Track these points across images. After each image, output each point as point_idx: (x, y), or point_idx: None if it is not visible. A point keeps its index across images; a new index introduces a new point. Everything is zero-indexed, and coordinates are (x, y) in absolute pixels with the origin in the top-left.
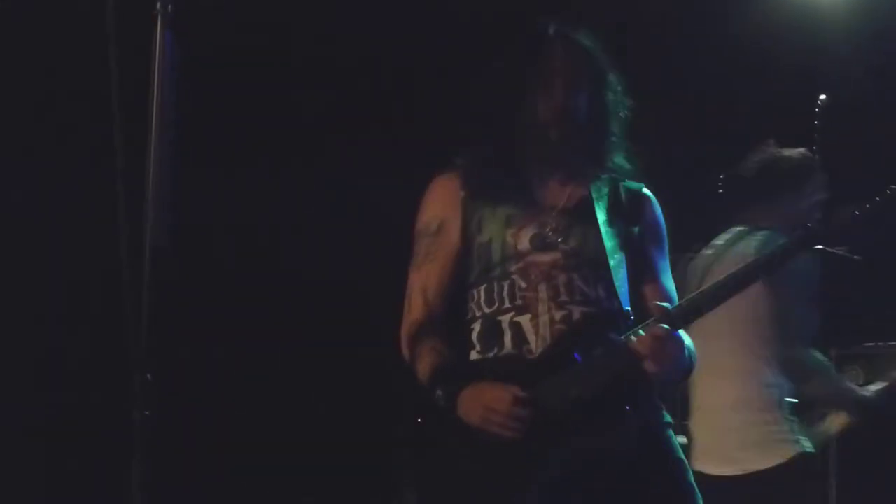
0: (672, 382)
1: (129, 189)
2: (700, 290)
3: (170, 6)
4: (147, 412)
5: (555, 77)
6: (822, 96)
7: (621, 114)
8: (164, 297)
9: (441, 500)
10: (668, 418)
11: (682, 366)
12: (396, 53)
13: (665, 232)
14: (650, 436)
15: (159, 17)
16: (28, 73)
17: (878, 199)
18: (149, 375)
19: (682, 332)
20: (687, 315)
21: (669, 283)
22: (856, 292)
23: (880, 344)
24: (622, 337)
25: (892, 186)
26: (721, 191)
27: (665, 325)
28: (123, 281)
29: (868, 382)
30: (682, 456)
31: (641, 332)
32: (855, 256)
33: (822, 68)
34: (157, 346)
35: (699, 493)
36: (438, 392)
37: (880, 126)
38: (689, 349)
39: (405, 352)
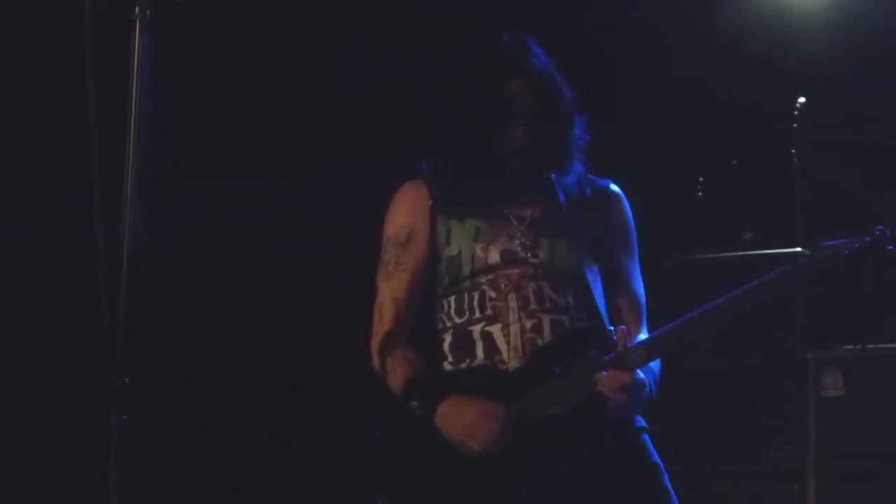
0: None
1: (106, 190)
2: (675, 325)
3: (148, 11)
4: (124, 416)
5: (513, 117)
6: (801, 98)
7: (581, 144)
8: (142, 298)
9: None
10: (642, 423)
11: (639, 407)
12: (372, 54)
13: (634, 231)
14: (624, 442)
15: (137, 22)
16: (4, 73)
17: (867, 238)
18: (126, 379)
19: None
20: (655, 349)
21: (638, 287)
22: (835, 295)
23: (859, 347)
24: (604, 358)
25: (879, 227)
26: (700, 193)
27: (627, 374)
28: (100, 282)
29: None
30: (658, 460)
31: (605, 373)
32: None
33: (799, 69)
34: (135, 349)
35: (675, 497)
36: (413, 403)
37: (858, 127)
38: (649, 386)
39: (376, 363)
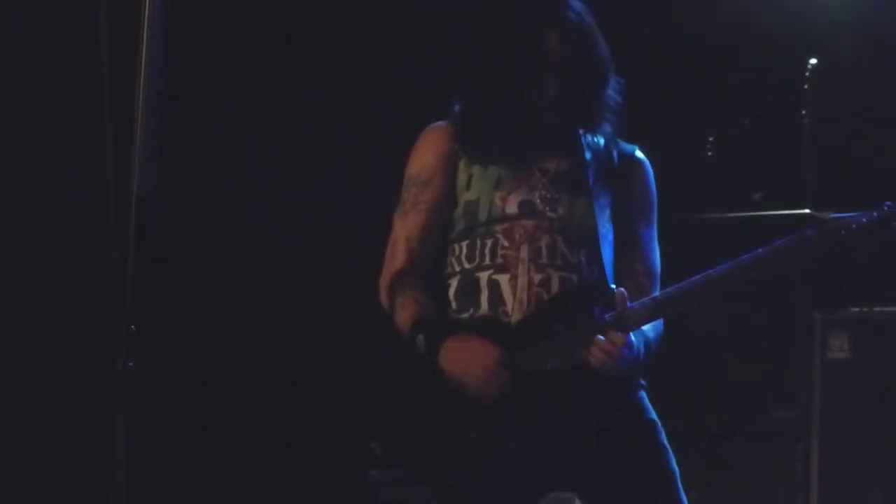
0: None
1: (118, 138)
2: (679, 288)
3: None
4: (130, 364)
5: (547, 71)
6: (813, 60)
7: (612, 105)
8: (151, 247)
9: (406, 452)
10: (641, 381)
11: (626, 368)
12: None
13: (654, 200)
14: (622, 398)
15: None
16: (16, 20)
17: (874, 213)
18: (133, 327)
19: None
20: (658, 311)
21: (654, 255)
22: (843, 258)
23: (866, 309)
24: (605, 315)
25: (888, 203)
26: (710, 153)
27: (621, 334)
28: (110, 230)
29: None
30: (655, 417)
31: (601, 337)
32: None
33: (813, 31)
34: (143, 297)
35: (671, 454)
36: (419, 339)
37: (869, 89)
38: (637, 348)
39: (385, 300)
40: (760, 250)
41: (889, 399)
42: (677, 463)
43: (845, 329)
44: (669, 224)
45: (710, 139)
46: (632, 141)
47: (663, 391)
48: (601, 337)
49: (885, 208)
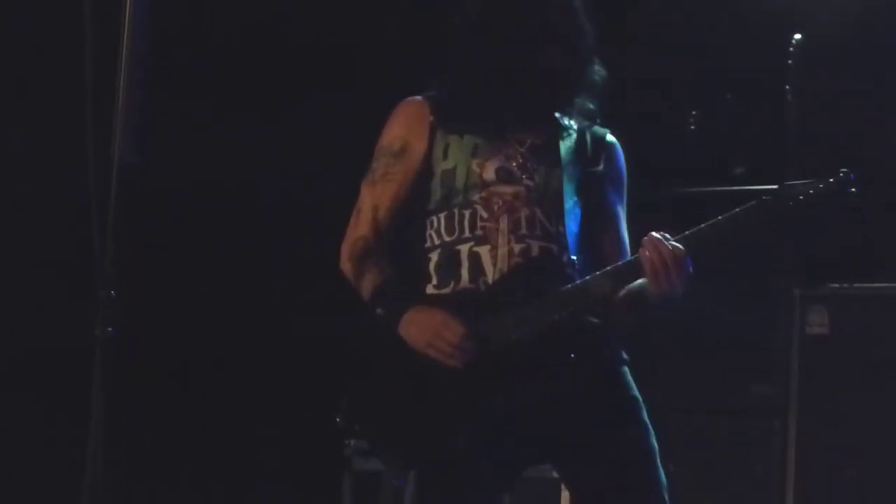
0: (663, 307)
1: (99, 107)
2: (638, 257)
3: None
4: (109, 329)
5: (545, 37)
6: (797, 35)
7: (596, 83)
8: (131, 214)
9: (370, 425)
10: (623, 356)
11: (678, 294)
12: None
13: (625, 180)
14: (603, 375)
15: None
16: None
17: (830, 180)
18: (113, 292)
19: None
20: (618, 281)
21: (626, 234)
22: (820, 233)
23: (845, 285)
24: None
25: (843, 169)
26: (693, 127)
27: (682, 247)
28: (90, 197)
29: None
30: (637, 394)
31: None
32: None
33: (796, 7)
34: (123, 262)
35: (652, 431)
36: (380, 310)
37: (853, 66)
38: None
39: (346, 265)
40: (720, 217)
41: (867, 375)
42: (657, 437)
43: (824, 305)
44: (652, 198)
45: (693, 113)
46: (616, 117)
47: (644, 367)
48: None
49: (841, 175)
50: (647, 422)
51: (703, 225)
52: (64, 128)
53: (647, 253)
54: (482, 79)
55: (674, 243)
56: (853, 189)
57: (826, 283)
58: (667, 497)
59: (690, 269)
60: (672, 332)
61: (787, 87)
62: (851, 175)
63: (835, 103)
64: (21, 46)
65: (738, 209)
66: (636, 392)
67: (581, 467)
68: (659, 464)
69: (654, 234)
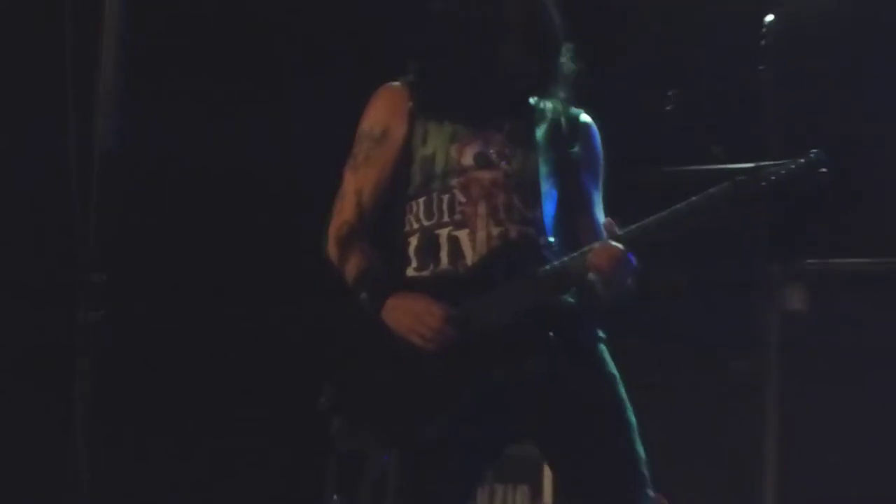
0: (612, 300)
1: (80, 94)
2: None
3: None
4: (98, 312)
5: (503, 37)
6: (769, 17)
7: (564, 72)
8: (116, 197)
9: (353, 408)
10: (600, 334)
11: (624, 287)
12: None
13: (601, 161)
14: (580, 353)
15: None
16: None
17: (801, 160)
18: (101, 276)
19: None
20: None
21: (600, 215)
22: (799, 210)
23: (823, 262)
24: (547, 266)
25: (814, 150)
26: (669, 108)
27: (621, 246)
28: (73, 179)
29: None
30: (614, 371)
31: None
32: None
33: None
34: (108, 246)
35: (629, 407)
36: (363, 295)
37: (827, 46)
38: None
39: (331, 250)
40: (695, 197)
41: (845, 350)
42: (636, 414)
43: (802, 281)
44: (629, 177)
45: (671, 94)
46: (596, 98)
47: (623, 344)
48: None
49: (812, 155)
50: (625, 398)
51: (679, 206)
52: (45, 113)
53: (593, 259)
54: (449, 72)
55: (612, 244)
56: (824, 169)
57: (804, 260)
58: (646, 471)
59: (633, 263)
60: (653, 310)
61: (762, 66)
62: (822, 155)
63: (810, 82)
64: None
65: (711, 190)
66: (614, 369)
67: (561, 444)
68: (637, 438)
69: (604, 230)
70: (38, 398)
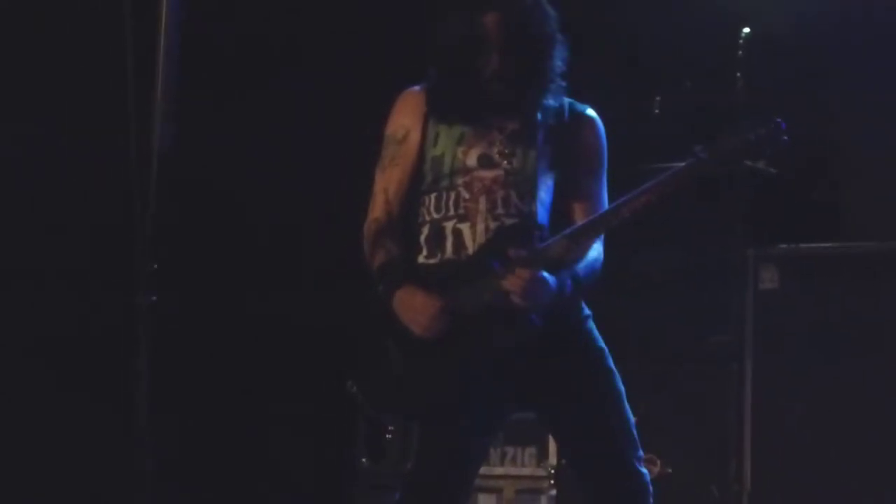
0: (538, 309)
1: (139, 100)
2: (591, 219)
3: None
4: (153, 297)
5: (488, 49)
6: (745, 29)
7: (558, 72)
8: (171, 195)
9: (372, 388)
10: (586, 311)
11: (548, 299)
12: None
13: (604, 155)
14: (569, 329)
15: None
16: None
17: (763, 130)
18: (155, 265)
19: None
20: (580, 236)
21: (598, 203)
22: (772, 195)
23: (793, 246)
24: (522, 251)
25: (777, 119)
26: (657, 111)
27: (528, 269)
28: (132, 179)
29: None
30: (602, 345)
31: (496, 264)
32: (771, 170)
33: (744, 5)
34: (163, 238)
35: (618, 376)
36: (381, 287)
37: (802, 58)
38: (577, 279)
39: (365, 246)
40: (662, 175)
41: (813, 324)
42: (624, 384)
43: (775, 263)
44: (623, 172)
45: (658, 99)
46: (590, 100)
47: (612, 321)
48: (496, 265)
49: (773, 125)
50: (614, 368)
51: (648, 183)
52: (106, 118)
53: (507, 282)
54: (451, 80)
55: (521, 270)
56: (785, 137)
57: (776, 244)
58: (635, 433)
59: (547, 281)
60: (640, 289)
61: (738, 74)
62: (783, 124)
63: (782, 88)
64: (63, 42)
65: (678, 165)
66: (601, 343)
67: (558, 415)
68: (626, 405)
69: (514, 258)
70: (97, 375)
